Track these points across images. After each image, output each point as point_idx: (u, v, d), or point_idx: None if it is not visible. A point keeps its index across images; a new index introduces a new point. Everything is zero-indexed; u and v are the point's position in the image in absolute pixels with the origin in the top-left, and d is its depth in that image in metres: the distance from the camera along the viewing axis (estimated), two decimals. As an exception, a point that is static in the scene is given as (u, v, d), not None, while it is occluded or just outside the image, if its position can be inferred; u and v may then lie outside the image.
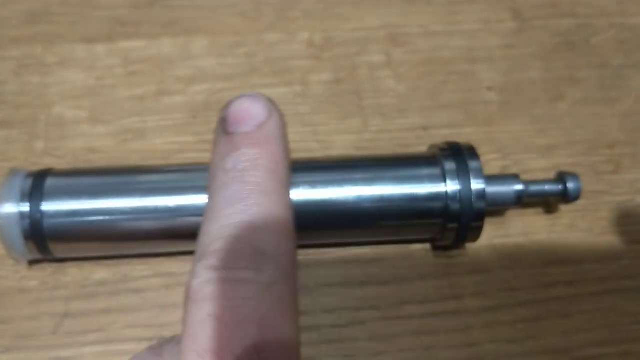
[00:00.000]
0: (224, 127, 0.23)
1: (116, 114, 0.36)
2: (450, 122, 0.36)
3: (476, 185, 0.29)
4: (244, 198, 0.21)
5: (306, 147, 0.35)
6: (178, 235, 0.29)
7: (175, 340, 0.22)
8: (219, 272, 0.19)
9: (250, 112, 0.23)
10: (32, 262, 0.31)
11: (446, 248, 0.32)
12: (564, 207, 0.34)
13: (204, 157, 0.29)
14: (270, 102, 0.24)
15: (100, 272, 0.31)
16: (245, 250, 0.20)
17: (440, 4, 0.41)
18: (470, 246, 0.33)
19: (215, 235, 0.20)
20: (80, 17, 0.39)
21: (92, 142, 0.35)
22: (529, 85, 0.38)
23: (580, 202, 0.34)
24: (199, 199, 0.28)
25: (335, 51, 0.39)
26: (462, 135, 0.36)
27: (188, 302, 0.20)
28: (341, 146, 0.35)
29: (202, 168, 0.29)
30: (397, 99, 0.37)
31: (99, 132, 0.35)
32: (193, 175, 0.29)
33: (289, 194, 0.23)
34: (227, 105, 0.24)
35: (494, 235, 0.33)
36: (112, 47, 0.38)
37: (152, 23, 0.39)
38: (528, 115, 0.37)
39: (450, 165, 0.29)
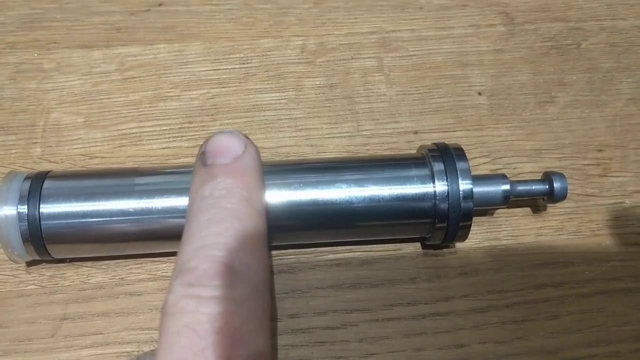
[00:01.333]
0: (202, 160, 0.25)
1: (112, 119, 0.37)
2: (440, 126, 0.37)
3: (464, 185, 0.29)
4: (220, 222, 0.22)
5: (299, 151, 0.36)
6: (175, 236, 0.29)
7: (153, 354, 0.23)
8: (194, 288, 0.20)
9: (227, 146, 0.25)
10: (30, 264, 0.32)
11: (436, 247, 0.33)
12: (552, 210, 0.35)
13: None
14: (246, 137, 0.25)
15: (97, 276, 0.32)
16: (219, 269, 0.21)
17: (432, 9, 0.41)
18: (460, 248, 0.33)
19: (192, 255, 0.21)
20: (76, 23, 0.40)
21: (89, 148, 0.36)
22: (519, 90, 0.38)
23: (568, 205, 0.35)
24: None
25: (328, 56, 0.39)
26: (453, 139, 0.36)
27: (164, 316, 0.20)
28: (334, 150, 0.36)
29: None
30: (388, 103, 0.38)
31: (96, 137, 0.36)
32: (189, 176, 0.29)
33: (264, 220, 0.24)
34: (206, 140, 0.25)
35: (483, 237, 0.34)
36: (108, 53, 0.39)
37: (147, 29, 0.40)
38: (518, 119, 0.37)
39: (438, 165, 0.30)
